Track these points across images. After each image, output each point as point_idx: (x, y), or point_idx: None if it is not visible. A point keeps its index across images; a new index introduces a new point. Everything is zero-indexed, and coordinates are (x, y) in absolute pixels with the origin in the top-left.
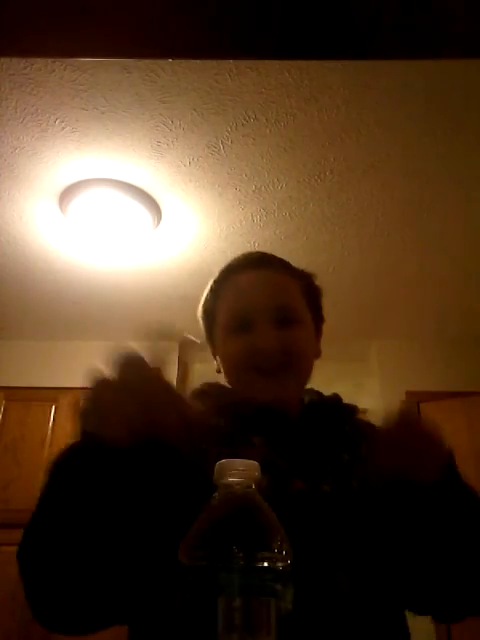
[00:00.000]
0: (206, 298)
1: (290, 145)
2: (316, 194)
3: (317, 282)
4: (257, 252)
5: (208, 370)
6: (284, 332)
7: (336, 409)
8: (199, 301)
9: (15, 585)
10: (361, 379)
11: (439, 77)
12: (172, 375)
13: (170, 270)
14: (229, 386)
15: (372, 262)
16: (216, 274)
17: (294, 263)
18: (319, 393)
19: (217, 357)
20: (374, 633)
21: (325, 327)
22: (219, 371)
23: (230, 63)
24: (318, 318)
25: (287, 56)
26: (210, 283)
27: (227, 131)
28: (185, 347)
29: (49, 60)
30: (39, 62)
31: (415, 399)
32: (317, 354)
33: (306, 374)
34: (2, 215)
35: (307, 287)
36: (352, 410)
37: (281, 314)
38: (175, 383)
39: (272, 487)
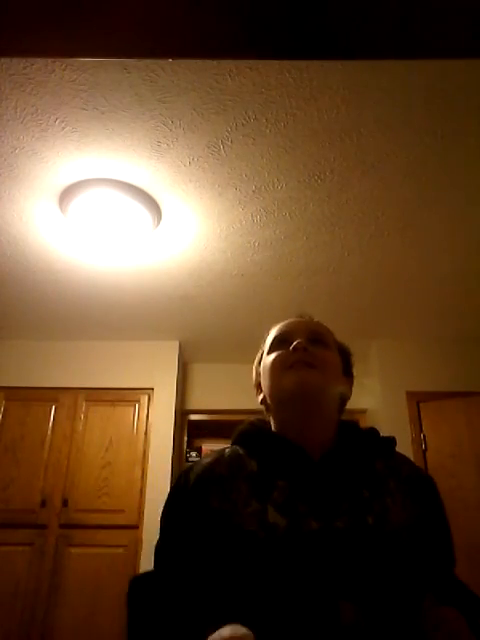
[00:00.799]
0: (259, 351)
1: (290, 145)
2: (316, 194)
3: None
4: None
5: (208, 370)
6: (314, 346)
7: (367, 445)
8: (199, 301)
9: (15, 584)
10: (361, 379)
11: (439, 77)
12: (172, 375)
13: (170, 270)
14: (271, 420)
15: (372, 262)
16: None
17: (294, 263)
18: (356, 428)
19: (262, 392)
20: None
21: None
22: (262, 403)
23: (230, 63)
24: (348, 371)
25: (287, 56)
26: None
27: (227, 131)
28: (185, 347)
29: (49, 60)
30: (39, 62)
31: (415, 399)
32: (346, 395)
33: (330, 388)
34: (2, 215)
35: (340, 345)
36: (387, 443)
37: (313, 336)
38: (175, 383)
39: (290, 530)
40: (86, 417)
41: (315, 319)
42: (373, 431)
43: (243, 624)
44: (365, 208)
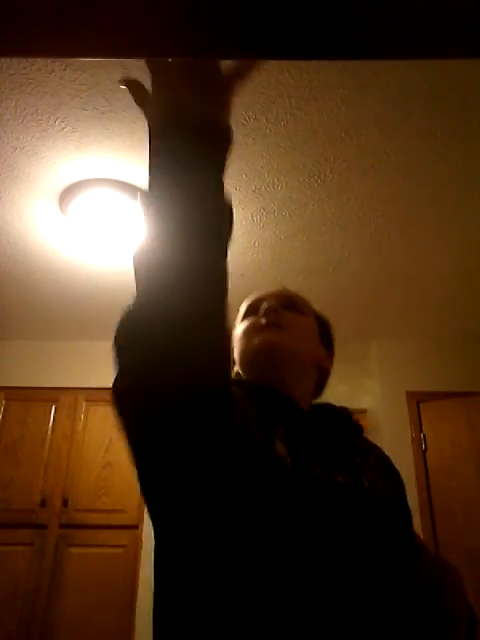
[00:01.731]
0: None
1: (290, 145)
2: (316, 194)
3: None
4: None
5: None
6: (286, 311)
7: (347, 419)
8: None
9: (15, 584)
10: (361, 379)
11: (439, 77)
12: None
13: None
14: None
15: (372, 262)
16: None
17: (294, 263)
18: (331, 405)
19: (235, 365)
20: (385, 618)
21: None
22: (236, 375)
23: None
24: (327, 342)
25: (287, 56)
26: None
27: None
28: None
29: (49, 60)
30: (39, 62)
31: (415, 399)
32: (325, 362)
33: (302, 351)
34: (2, 215)
35: (318, 315)
36: (360, 428)
37: (287, 301)
38: None
39: (296, 469)
40: (86, 417)
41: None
42: (347, 410)
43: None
44: (365, 208)
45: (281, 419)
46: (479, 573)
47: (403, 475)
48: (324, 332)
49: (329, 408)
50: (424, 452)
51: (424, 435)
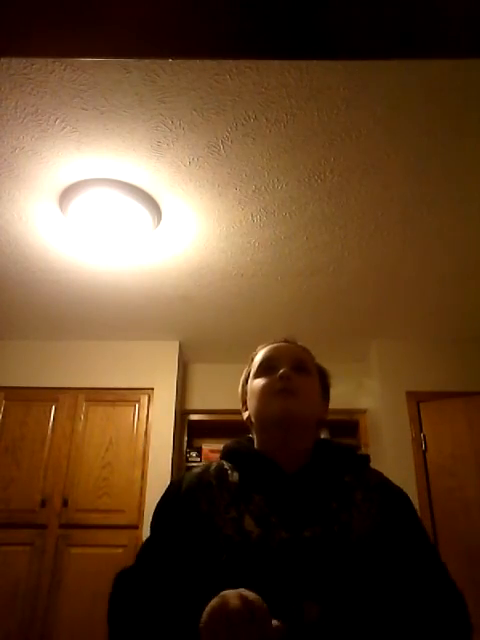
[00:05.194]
0: (246, 369)
1: (290, 145)
2: (316, 194)
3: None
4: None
5: (208, 370)
6: (297, 374)
7: (339, 460)
8: (199, 301)
9: (15, 584)
10: (361, 379)
11: (439, 77)
12: (172, 375)
13: (170, 270)
14: (254, 437)
15: (372, 262)
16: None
17: (294, 263)
18: (330, 445)
19: (247, 410)
20: None
21: (325, 329)
22: (247, 420)
23: (230, 63)
24: (325, 394)
25: (287, 56)
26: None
27: (227, 131)
28: (185, 347)
29: (49, 60)
30: (39, 62)
31: (415, 399)
32: (323, 415)
33: (310, 414)
34: (2, 215)
35: (320, 368)
36: (360, 459)
37: (297, 363)
38: (175, 383)
39: (262, 538)
40: (86, 417)
41: (299, 342)
42: (349, 448)
43: None
44: (365, 208)
45: (262, 487)
46: (479, 573)
47: (403, 475)
48: (323, 385)
49: (329, 447)
50: (424, 452)
51: (424, 435)
